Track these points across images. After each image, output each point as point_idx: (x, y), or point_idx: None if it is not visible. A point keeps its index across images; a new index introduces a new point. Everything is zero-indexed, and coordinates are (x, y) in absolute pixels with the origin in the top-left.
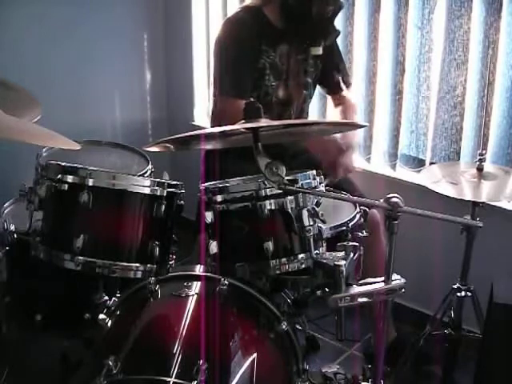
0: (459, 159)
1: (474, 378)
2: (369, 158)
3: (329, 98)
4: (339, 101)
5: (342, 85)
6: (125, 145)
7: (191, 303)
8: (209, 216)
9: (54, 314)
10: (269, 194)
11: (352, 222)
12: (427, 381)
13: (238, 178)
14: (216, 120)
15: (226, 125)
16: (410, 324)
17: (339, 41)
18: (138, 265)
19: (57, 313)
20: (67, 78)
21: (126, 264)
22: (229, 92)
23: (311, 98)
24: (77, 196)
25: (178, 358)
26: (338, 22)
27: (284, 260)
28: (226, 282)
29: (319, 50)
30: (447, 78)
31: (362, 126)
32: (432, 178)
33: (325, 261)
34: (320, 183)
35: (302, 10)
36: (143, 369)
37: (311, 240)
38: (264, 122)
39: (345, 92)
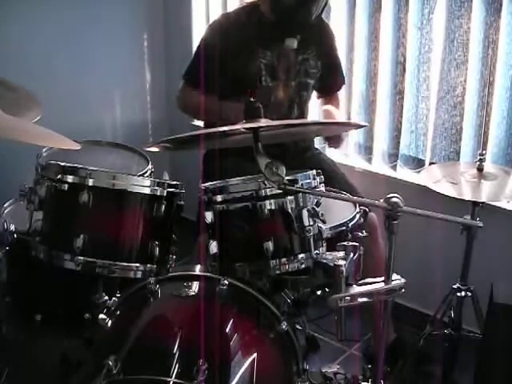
0: (459, 159)
1: (474, 378)
2: (369, 159)
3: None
4: (327, 101)
5: (335, 87)
6: (125, 145)
7: (191, 303)
8: (209, 216)
9: (54, 314)
10: (269, 193)
11: (352, 222)
12: (427, 381)
13: (238, 178)
14: (181, 106)
15: (183, 110)
16: (410, 324)
17: (340, 40)
18: (137, 265)
19: (57, 313)
20: (67, 78)
21: (125, 264)
22: (189, 80)
23: (310, 99)
24: (77, 196)
25: (177, 358)
26: (339, 21)
27: (284, 260)
28: (226, 282)
29: (293, 43)
30: (447, 78)
31: (361, 126)
32: (432, 178)
33: (325, 261)
34: (320, 183)
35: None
36: (143, 369)
37: (311, 240)
38: (264, 122)
39: (335, 95)
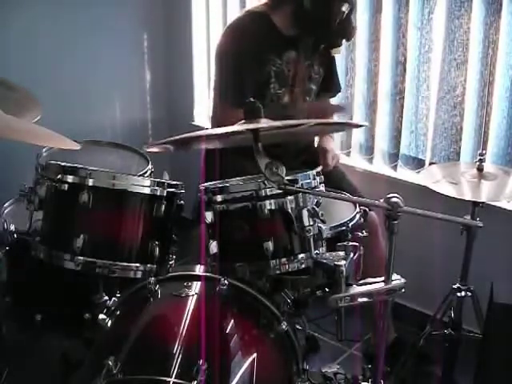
0: (459, 159)
1: (474, 378)
2: (370, 159)
3: None
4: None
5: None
6: (125, 145)
7: (191, 303)
8: (209, 216)
9: (54, 314)
10: (269, 194)
11: (352, 222)
12: (427, 381)
13: (238, 178)
14: (217, 126)
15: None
16: (410, 324)
17: None
18: (138, 265)
19: (57, 313)
20: (67, 78)
21: (125, 264)
22: (230, 101)
23: None
24: (77, 196)
25: (177, 358)
26: None
27: (284, 260)
28: (226, 282)
29: (340, 51)
30: (447, 78)
31: (362, 126)
32: (432, 178)
33: (325, 261)
34: (320, 183)
35: (319, 13)
36: (143, 369)
37: (311, 240)
38: (264, 123)
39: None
